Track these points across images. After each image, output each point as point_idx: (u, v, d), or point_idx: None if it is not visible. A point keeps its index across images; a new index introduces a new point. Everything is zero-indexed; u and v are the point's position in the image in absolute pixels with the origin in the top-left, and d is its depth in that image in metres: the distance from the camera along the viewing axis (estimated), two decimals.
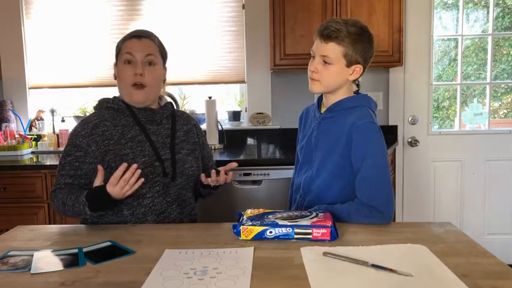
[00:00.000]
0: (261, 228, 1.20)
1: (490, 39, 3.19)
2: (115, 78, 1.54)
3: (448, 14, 3.24)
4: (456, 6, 3.19)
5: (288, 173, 2.59)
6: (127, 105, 1.50)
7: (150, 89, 1.48)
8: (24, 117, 3.25)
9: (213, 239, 1.23)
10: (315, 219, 1.21)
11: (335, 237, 1.18)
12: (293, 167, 2.81)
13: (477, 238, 1.30)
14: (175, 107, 1.68)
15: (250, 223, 1.21)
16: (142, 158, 1.45)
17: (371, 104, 1.47)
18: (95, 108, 1.57)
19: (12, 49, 3.20)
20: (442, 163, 3.22)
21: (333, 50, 1.38)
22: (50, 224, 2.56)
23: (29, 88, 3.27)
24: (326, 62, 1.40)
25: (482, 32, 3.23)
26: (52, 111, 3.20)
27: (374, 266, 1.00)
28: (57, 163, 2.61)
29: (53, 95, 3.35)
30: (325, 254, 1.07)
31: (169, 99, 1.63)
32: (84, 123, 1.48)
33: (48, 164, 2.64)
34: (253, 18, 3.13)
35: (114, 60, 1.55)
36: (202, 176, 1.50)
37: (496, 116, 3.37)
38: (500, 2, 3.19)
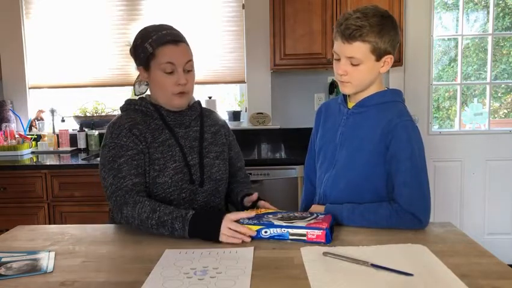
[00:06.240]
0: (256, 228, 1.20)
1: (490, 39, 3.19)
2: (146, 84, 1.48)
3: (448, 14, 3.24)
4: (456, 6, 3.19)
5: (288, 172, 2.60)
6: (156, 108, 1.44)
7: (191, 95, 1.46)
8: (24, 117, 3.25)
9: None
10: (312, 221, 1.20)
11: (329, 240, 1.16)
12: (293, 166, 2.80)
13: (477, 238, 1.29)
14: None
15: (246, 222, 1.21)
16: (173, 163, 1.41)
17: (403, 99, 1.41)
18: (121, 109, 1.50)
19: (12, 49, 3.20)
20: (442, 163, 3.22)
21: (359, 49, 1.28)
22: (50, 224, 2.56)
23: (29, 88, 3.27)
24: (353, 64, 1.30)
25: (482, 32, 3.24)
26: (52, 111, 3.20)
27: (374, 266, 1.00)
28: (57, 163, 2.65)
29: (53, 95, 3.35)
30: (325, 254, 1.07)
31: (196, 98, 1.57)
32: (118, 125, 1.40)
33: (48, 164, 2.64)
34: (253, 18, 3.13)
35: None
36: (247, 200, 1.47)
37: (496, 116, 3.37)
38: (500, 2, 3.19)
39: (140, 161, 1.37)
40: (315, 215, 1.27)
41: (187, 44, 1.44)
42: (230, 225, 1.19)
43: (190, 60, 1.42)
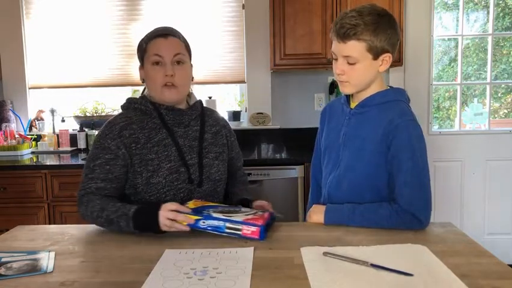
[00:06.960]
0: (195, 218, 1.21)
1: (490, 39, 3.19)
2: (143, 82, 1.49)
3: (448, 14, 3.24)
4: (456, 6, 3.19)
5: (288, 173, 2.60)
6: (155, 107, 1.44)
7: (181, 89, 1.43)
8: (24, 117, 3.25)
9: (213, 239, 1.22)
10: (249, 217, 1.23)
11: (263, 237, 1.19)
12: (293, 167, 2.80)
13: (477, 238, 1.29)
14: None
15: (186, 212, 1.23)
16: (168, 163, 1.40)
17: (406, 99, 1.40)
18: (122, 107, 1.50)
19: (12, 49, 3.20)
20: (442, 163, 3.22)
21: (355, 48, 1.28)
22: (50, 224, 2.56)
23: (29, 88, 3.27)
24: (350, 63, 1.31)
25: (482, 32, 3.24)
26: (52, 111, 3.20)
27: (374, 266, 1.00)
28: (57, 163, 2.65)
29: (53, 95, 3.35)
30: (325, 254, 1.07)
31: (198, 97, 1.57)
32: (111, 125, 1.41)
33: (48, 164, 2.64)
34: (253, 18, 3.13)
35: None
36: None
37: (496, 116, 3.37)
38: (500, 2, 3.19)
39: (114, 166, 1.38)
40: (255, 211, 1.30)
41: (179, 38, 1.45)
42: (167, 214, 1.21)
43: (179, 53, 1.41)
